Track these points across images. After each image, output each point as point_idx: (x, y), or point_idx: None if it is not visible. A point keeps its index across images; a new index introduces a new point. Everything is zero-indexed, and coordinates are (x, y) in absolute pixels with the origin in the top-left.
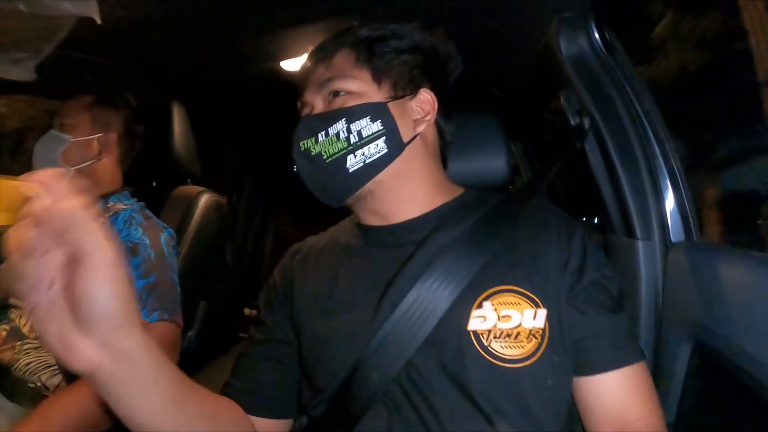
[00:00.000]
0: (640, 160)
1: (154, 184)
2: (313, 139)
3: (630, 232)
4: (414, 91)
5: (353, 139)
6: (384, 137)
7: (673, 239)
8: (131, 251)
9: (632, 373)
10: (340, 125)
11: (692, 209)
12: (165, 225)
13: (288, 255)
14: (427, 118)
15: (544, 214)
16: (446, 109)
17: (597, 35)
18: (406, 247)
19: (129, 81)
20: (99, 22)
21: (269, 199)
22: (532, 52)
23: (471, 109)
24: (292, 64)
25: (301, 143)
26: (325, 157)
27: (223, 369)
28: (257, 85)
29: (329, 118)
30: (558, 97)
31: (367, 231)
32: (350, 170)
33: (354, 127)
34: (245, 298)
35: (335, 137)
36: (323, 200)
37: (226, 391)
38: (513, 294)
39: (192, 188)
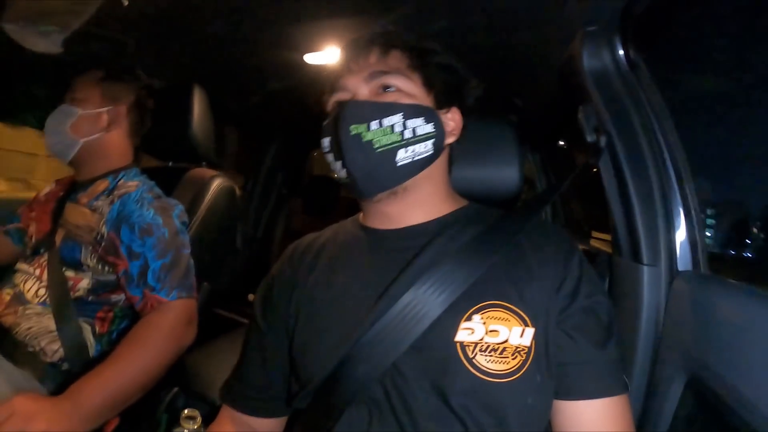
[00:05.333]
0: (654, 184)
1: (170, 164)
2: (365, 126)
3: (636, 256)
4: (449, 107)
5: (407, 134)
6: (433, 140)
7: (679, 268)
8: (146, 232)
9: (612, 404)
10: (397, 118)
11: (703, 238)
12: (176, 201)
13: (288, 251)
14: (455, 132)
15: (545, 234)
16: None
17: (621, 52)
18: (406, 251)
19: (152, 62)
20: (126, 3)
21: (284, 187)
22: (556, 64)
23: (488, 116)
24: (315, 58)
25: (352, 127)
26: (376, 146)
27: (222, 349)
28: (279, 74)
29: (386, 108)
30: (577, 112)
31: (370, 232)
32: (398, 163)
33: (410, 123)
34: (252, 284)
35: (390, 129)
36: (360, 187)
37: (226, 393)
38: (503, 310)
39: (206, 171)
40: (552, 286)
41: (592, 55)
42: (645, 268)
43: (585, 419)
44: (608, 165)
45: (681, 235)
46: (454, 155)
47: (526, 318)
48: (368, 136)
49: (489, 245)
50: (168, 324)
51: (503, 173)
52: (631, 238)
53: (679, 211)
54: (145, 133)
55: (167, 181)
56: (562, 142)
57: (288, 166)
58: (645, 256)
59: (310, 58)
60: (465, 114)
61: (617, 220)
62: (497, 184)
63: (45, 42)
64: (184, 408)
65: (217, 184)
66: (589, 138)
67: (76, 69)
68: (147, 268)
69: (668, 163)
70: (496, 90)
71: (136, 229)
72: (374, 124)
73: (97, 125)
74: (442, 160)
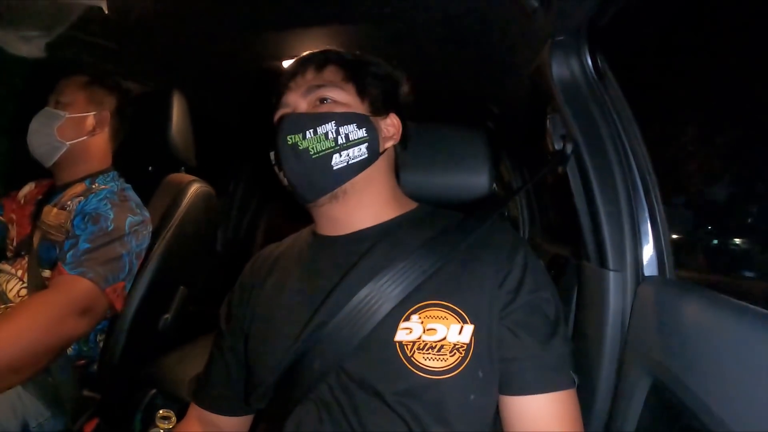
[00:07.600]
0: (620, 190)
1: (150, 168)
2: (300, 135)
3: (603, 262)
4: (386, 113)
5: (341, 140)
6: (366, 144)
7: (646, 273)
8: (92, 220)
9: (558, 399)
10: (330, 126)
11: (668, 244)
12: (140, 211)
13: (251, 261)
14: (393, 137)
15: (489, 231)
16: (403, 141)
17: (589, 61)
18: (352, 255)
19: (133, 67)
20: (106, 11)
21: (265, 191)
22: (527, 72)
23: (461, 123)
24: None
25: (288, 137)
26: (312, 153)
27: (199, 351)
28: (259, 80)
29: (319, 118)
30: (546, 119)
31: (320, 239)
32: (334, 168)
33: (342, 130)
34: (231, 287)
35: (324, 136)
36: (302, 193)
37: (192, 392)
38: (441, 308)
39: (184, 176)
40: (495, 283)
41: (560, 64)
42: (611, 274)
43: (530, 414)
44: (575, 172)
45: (647, 240)
46: (425, 162)
47: (465, 315)
48: (304, 144)
49: (443, 246)
50: (58, 305)
51: (473, 180)
52: (597, 243)
53: (646, 217)
54: (126, 137)
55: (146, 186)
56: (535, 147)
57: (270, 171)
58: (611, 261)
59: (288, 65)
60: (405, 119)
61: (584, 225)
62: (468, 190)
63: (29, 46)
64: (160, 409)
65: (194, 189)
66: (557, 145)
67: (58, 73)
68: (74, 246)
69: (635, 170)
70: (472, 97)
71: (87, 218)
72: (309, 133)
73: (83, 129)
74: (383, 163)
